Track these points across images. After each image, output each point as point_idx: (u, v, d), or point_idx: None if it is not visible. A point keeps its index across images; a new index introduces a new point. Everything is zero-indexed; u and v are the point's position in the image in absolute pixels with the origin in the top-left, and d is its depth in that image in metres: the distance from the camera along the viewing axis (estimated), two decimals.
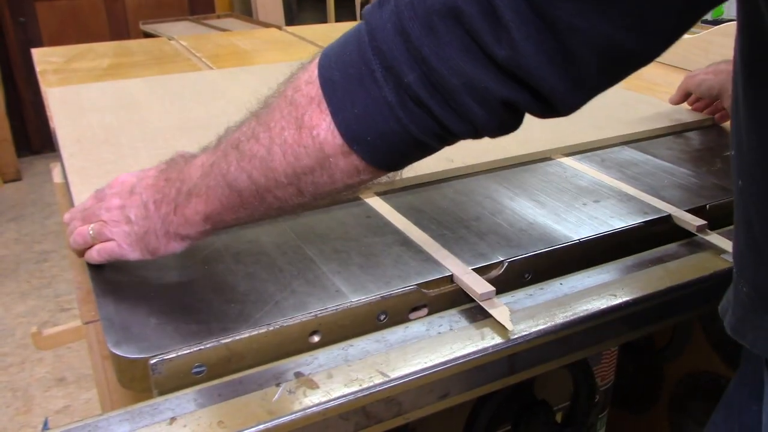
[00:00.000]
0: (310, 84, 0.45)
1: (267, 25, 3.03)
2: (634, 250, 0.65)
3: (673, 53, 1.27)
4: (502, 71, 0.39)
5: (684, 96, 0.97)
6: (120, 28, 3.50)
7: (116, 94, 1.02)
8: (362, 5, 3.36)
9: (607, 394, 0.94)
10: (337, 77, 0.43)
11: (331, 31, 1.65)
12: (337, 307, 0.53)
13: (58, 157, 0.81)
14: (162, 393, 0.48)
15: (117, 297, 0.53)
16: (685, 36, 1.27)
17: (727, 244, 0.65)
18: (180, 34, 2.96)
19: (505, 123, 0.43)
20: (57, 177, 0.87)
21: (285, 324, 0.51)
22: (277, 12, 3.27)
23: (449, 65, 0.39)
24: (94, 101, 0.99)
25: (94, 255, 0.56)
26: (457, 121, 0.42)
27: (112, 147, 0.81)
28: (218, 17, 3.34)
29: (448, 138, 0.44)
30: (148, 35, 2.92)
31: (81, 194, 0.66)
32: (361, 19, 0.45)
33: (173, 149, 0.72)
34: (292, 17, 3.39)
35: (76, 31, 3.38)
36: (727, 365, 0.99)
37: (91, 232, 0.56)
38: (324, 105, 0.44)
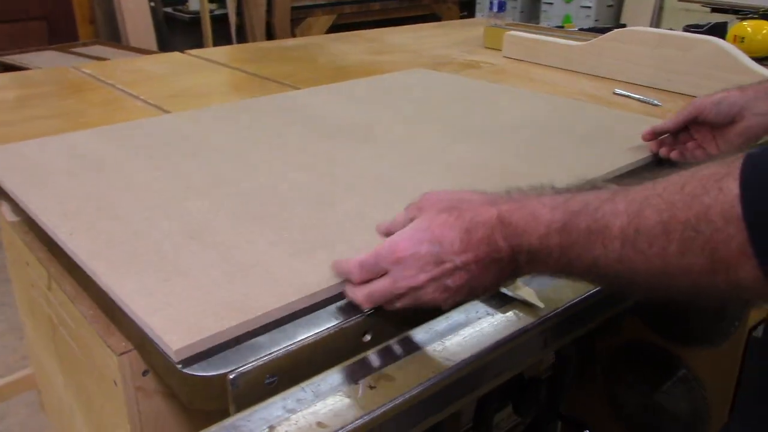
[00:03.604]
0: (730, 223, 0.38)
1: (140, 51, 2.93)
2: None
3: (570, 59, 1.41)
4: None
5: (687, 120, 0.86)
6: None
7: (71, 151, 0.86)
8: (237, 27, 3.34)
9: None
10: None
11: (239, 53, 1.64)
12: None
13: (43, 231, 0.68)
14: (240, 408, 0.48)
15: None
16: (579, 43, 1.40)
17: None
18: (46, 65, 2.79)
19: None
20: (9, 215, 0.81)
21: (344, 326, 0.54)
22: (148, 37, 3.17)
23: None
24: (50, 163, 0.82)
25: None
26: None
27: (115, 221, 0.67)
28: (84, 45, 3.18)
29: None
30: (9, 67, 2.73)
31: (123, 287, 0.56)
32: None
33: (198, 214, 0.69)
34: (164, 42, 3.30)
35: None
36: (653, 332, 1.11)
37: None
38: (749, 251, 0.37)
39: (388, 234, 0.56)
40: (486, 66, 1.48)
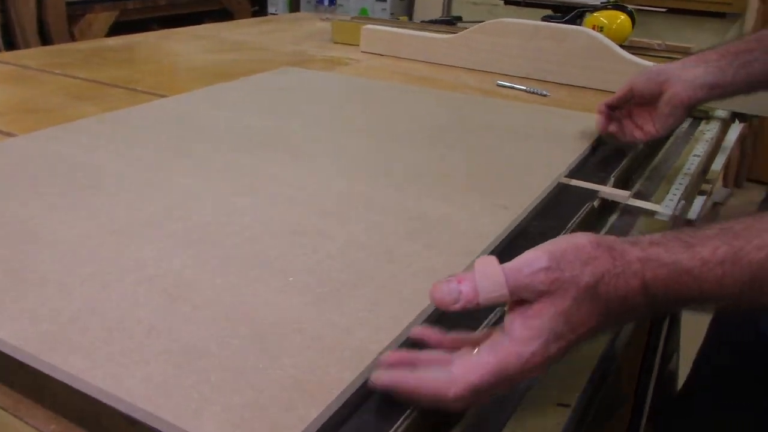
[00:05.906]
0: None
1: None
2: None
3: (438, 53, 1.39)
4: None
5: (625, 96, 0.86)
6: None
7: None
8: (2, 27, 2.85)
9: None
10: None
11: (52, 56, 1.38)
12: None
13: None
14: None
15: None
16: (447, 36, 1.39)
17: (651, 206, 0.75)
18: None
19: None
20: None
21: None
22: None
23: None
24: None
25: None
26: None
27: (46, 288, 0.50)
28: None
29: None
30: None
31: (122, 387, 0.40)
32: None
33: (156, 265, 0.53)
34: None
35: None
36: None
37: None
38: None
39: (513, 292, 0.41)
40: (352, 62, 1.40)
